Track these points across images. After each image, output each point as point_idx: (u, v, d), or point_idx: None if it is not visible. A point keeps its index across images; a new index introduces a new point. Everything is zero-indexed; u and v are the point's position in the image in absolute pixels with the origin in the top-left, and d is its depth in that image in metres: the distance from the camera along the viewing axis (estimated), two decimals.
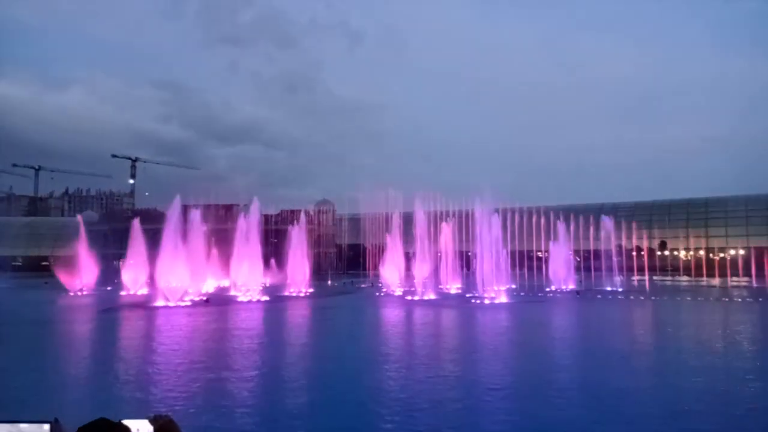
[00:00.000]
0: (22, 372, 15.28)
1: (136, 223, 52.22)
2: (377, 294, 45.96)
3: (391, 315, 30.04)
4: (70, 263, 52.90)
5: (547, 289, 49.47)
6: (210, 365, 15.98)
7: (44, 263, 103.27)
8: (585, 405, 11.55)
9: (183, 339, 21.91)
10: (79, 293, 46.66)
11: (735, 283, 61.79)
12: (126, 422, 2.73)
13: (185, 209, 48.19)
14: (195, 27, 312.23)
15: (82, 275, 50.48)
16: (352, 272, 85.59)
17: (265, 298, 40.70)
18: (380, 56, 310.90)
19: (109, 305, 34.86)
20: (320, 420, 10.70)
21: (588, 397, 12.21)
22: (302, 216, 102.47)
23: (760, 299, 38.97)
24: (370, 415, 10.78)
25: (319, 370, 15.69)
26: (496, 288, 40.51)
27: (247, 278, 43.84)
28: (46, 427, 2.31)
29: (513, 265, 48.65)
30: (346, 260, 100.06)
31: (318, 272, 62.93)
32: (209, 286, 45.79)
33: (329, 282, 61.56)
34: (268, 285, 43.85)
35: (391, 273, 51.56)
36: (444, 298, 40.48)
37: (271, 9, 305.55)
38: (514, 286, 46.49)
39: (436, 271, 48.52)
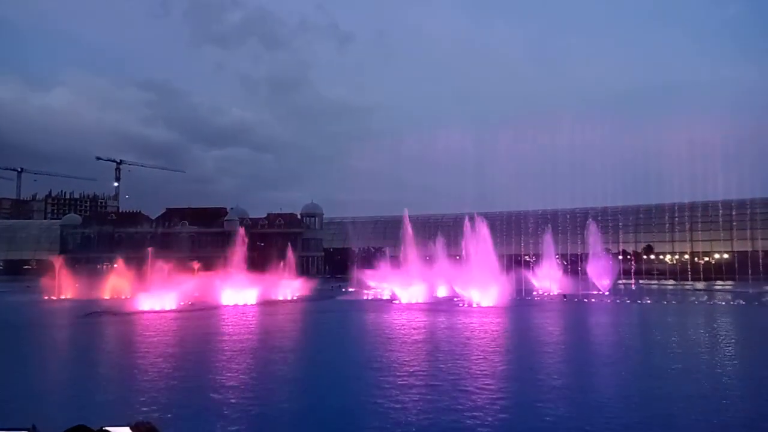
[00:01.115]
0: None
1: (120, 226, 51.62)
2: (365, 298, 45.80)
3: (379, 320, 29.87)
4: (52, 267, 52.14)
5: (534, 293, 49.66)
6: (187, 372, 15.68)
7: (26, 267, 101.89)
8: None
9: (162, 345, 21.54)
10: (62, 297, 45.93)
11: (719, 287, 62.51)
12: (107, 429, 2.60)
13: (171, 213, 47.67)
14: (182, 27, 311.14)
15: (65, 279, 49.72)
16: (340, 276, 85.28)
17: (252, 302, 40.35)
18: (369, 58, 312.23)
19: (91, 310, 34.27)
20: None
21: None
22: (289, 220, 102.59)
23: (743, 302, 39.47)
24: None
25: (310, 378, 15.51)
26: (483, 292, 40.45)
27: (233, 283, 43.40)
28: None
29: (501, 269, 48.61)
30: (333, 264, 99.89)
31: (305, 276, 62.60)
32: (196, 290, 45.25)
33: (316, 286, 61.26)
34: (254, 289, 43.46)
35: (378, 277, 51.48)
36: (431, 302, 40.36)
37: (259, 10, 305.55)
38: (501, 290, 46.40)
39: (423, 275, 48.37)
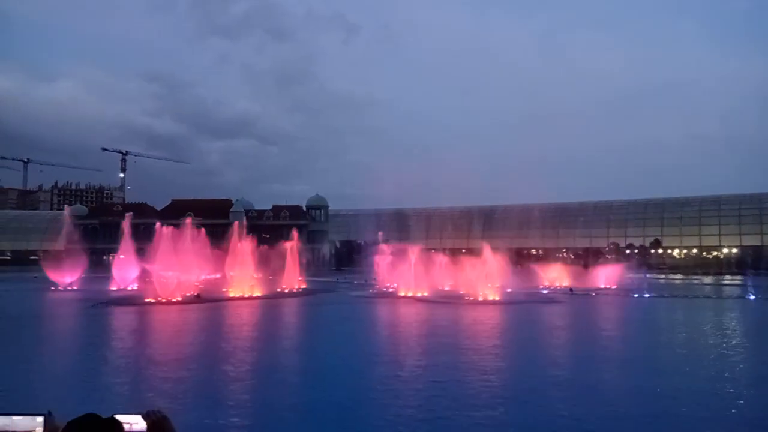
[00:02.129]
0: (7, 367, 14.91)
1: (126, 218, 51.70)
2: (370, 290, 45.70)
3: (384, 312, 29.79)
4: (59, 257, 52.34)
5: (541, 287, 49.45)
6: (190, 366, 15.58)
7: (33, 257, 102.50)
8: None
9: (167, 337, 21.51)
10: (69, 288, 46.08)
11: (728, 282, 62.07)
12: (118, 417, 2.47)
13: (176, 204, 47.69)
14: (187, 19, 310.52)
15: (72, 270, 49.87)
16: (345, 268, 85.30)
17: (257, 294, 40.36)
18: (375, 51, 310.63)
19: (97, 301, 34.36)
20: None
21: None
22: (295, 212, 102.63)
23: (751, 297, 39.10)
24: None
25: (315, 371, 15.41)
26: (489, 285, 40.27)
27: (238, 274, 43.45)
28: (40, 419, 2.23)
29: (507, 262, 48.40)
30: (338, 257, 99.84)
31: (310, 268, 62.65)
32: (201, 281, 45.31)
33: (322, 278, 61.27)
34: (259, 281, 43.53)
35: (383, 270, 51.38)
36: (437, 295, 40.18)
37: (264, 0, 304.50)
38: (507, 283, 46.20)
39: (429, 267, 48.16)
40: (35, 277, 55.85)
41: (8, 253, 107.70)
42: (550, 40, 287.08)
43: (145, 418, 2.63)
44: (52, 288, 45.73)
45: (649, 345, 19.60)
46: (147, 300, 34.24)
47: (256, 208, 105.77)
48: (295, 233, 56.15)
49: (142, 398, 11.35)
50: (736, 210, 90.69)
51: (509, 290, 40.71)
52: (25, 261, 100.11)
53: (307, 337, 22.62)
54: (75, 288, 46.18)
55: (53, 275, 48.47)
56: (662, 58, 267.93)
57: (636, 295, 40.85)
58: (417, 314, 28.46)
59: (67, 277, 48.28)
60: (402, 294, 40.81)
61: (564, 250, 70.48)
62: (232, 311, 30.20)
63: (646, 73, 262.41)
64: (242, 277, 42.84)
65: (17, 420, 2.30)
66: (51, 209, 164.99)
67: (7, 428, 2.22)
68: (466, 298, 37.41)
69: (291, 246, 51.90)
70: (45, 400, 10.91)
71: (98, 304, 32.49)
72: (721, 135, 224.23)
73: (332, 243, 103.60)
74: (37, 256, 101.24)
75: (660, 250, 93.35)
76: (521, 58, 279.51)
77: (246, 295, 39.59)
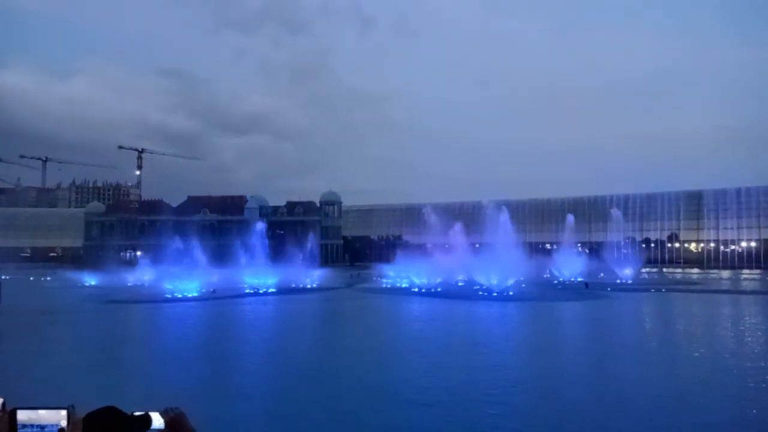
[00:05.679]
0: (27, 361, 15.21)
1: (143, 214, 52.38)
2: (384, 286, 45.74)
3: (399, 308, 29.80)
4: (77, 254, 53.14)
5: (555, 281, 49.12)
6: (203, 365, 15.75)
7: (52, 254, 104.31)
8: None
9: (180, 333, 21.74)
10: (87, 284, 46.77)
11: (747, 276, 61.12)
12: (137, 414, 2.55)
13: (192, 200, 48.11)
14: (201, 13, 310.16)
15: (90, 266, 50.61)
16: (359, 264, 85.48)
17: (272, 290, 40.62)
18: (391, 43, 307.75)
19: (115, 297, 34.83)
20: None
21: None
22: (309, 208, 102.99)
23: None
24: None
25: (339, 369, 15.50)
26: (503, 280, 40.12)
27: (254, 270, 43.82)
28: (63, 412, 2.37)
29: (522, 257, 48.15)
30: (352, 252, 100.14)
31: (324, 264, 62.85)
32: (216, 277, 45.72)
33: (336, 274, 61.44)
34: (274, 277, 43.82)
35: (398, 265, 51.50)
36: (451, 290, 40.08)
37: None
38: (522, 278, 45.99)
39: (443, 262, 48.13)
40: (54, 273, 56.74)
41: (28, 250, 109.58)
42: (567, 28, 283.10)
43: (163, 414, 2.68)
44: (71, 284, 46.44)
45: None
46: (164, 296, 34.68)
47: (271, 204, 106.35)
48: (307, 229, 56.33)
49: (168, 394, 11.52)
50: (755, 202, 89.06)
51: (523, 285, 40.49)
52: (44, 258, 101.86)
53: (329, 332, 22.74)
54: (93, 284, 46.86)
55: (72, 272, 49.25)
56: (683, 49, 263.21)
57: (653, 290, 40.40)
58: (430, 311, 28.42)
59: (85, 273, 49.05)
60: (415, 289, 40.80)
61: (579, 244, 69.97)
62: (249, 308, 30.42)
63: (663, 62, 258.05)
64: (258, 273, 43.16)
65: (42, 413, 2.46)
66: (69, 206, 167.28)
67: (33, 421, 2.39)
68: (480, 293, 37.29)
69: (304, 242, 52.22)
70: (68, 394, 11.14)
71: (115, 301, 32.91)
72: (739, 125, 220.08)
73: (345, 238, 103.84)
74: (56, 252, 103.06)
75: (677, 244, 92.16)
76: (538, 47, 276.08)
77: (261, 291, 39.87)
